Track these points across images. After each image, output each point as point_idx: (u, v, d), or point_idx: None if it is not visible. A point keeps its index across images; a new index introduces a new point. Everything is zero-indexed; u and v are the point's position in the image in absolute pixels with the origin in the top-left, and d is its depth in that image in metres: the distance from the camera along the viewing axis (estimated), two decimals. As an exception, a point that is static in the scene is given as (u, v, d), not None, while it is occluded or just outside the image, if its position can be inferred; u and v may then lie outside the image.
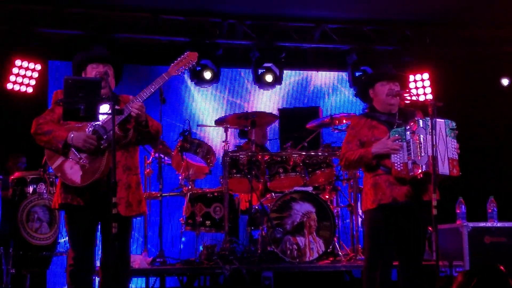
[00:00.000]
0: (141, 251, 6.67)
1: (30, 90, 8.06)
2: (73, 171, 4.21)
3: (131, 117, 4.24)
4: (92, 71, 4.37)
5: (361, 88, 5.01)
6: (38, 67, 8.07)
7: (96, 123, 4.21)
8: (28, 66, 8.00)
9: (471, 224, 5.88)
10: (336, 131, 7.10)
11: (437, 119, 4.54)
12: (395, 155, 4.55)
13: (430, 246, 6.02)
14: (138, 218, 4.82)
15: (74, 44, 8.15)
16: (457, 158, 4.56)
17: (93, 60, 4.40)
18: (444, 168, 4.49)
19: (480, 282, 2.62)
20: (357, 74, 8.95)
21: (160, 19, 8.45)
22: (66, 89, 3.94)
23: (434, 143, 4.38)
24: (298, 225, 6.40)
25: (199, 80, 8.63)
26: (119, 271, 4.21)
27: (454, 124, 4.61)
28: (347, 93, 9.27)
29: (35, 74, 8.06)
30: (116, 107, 4.00)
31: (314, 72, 9.58)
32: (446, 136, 4.56)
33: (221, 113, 8.71)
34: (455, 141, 4.59)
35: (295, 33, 8.97)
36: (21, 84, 8.00)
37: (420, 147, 4.47)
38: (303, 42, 9.06)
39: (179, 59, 4.52)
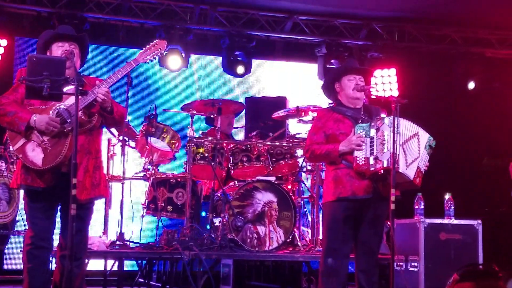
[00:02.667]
0: (101, 234, 6.64)
1: (-5, 66, 7.93)
2: (35, 153, 4.17)
3: (96, 102, 4.21)
4: (57, 50, 4.31)
5: (328, 81, 5.05)
6: (4, 42, 7.93)
7: (60, 106, 4.18)
8: (-7, 42, 7.88)
9: (428, 220, 5.98)
10: (301, 123, 7.14)
11: (424, 132, 4.65)
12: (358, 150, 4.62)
13: (387, 240, 6.12)
14: (99, 201, 4.77)
15: (42, 21, 8.03)
16: (423, 172, 4.67)
17: (59, 39, 4.35)
18: (410, 171, 4.58)
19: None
20: (326, 67, 9.01)
21: (131, 1, 8.37)
22: (29, 67, 3.89)
23: (396, 140, 4.45)
24: (259, 214, 6.43)
25: (168, 65, 8.58)
26: (76, 252, 4.19)
27: (434, 142, 4.71)
28: (315, 85, 9.32)
29: (1, 50, 7.92)
30: (81, 88, 3.96)
31: (283, 63, 9.62)
32: (424, 148, 4.66)
33: (188, 99, 8.69)
34: (428, 158, 4.70)
35: (267, 23, 8.99)
36: (-14, 59, 7.87)
37: (383, 144, 4.54)
38: (274, 32, 9.09)
39: (147, 46, 4.50)
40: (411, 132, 4.65)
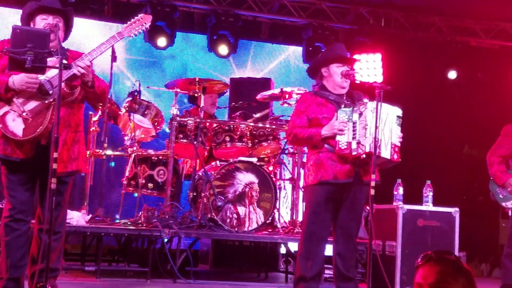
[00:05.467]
0: (80, 209, 6.61)
1: (-24, 35, 7.80)
2: (15, 124, 4.14)
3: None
4: (41, 22, 4.25)
5: (314, 64, 5.05)
6: (-13, 12, 7.83)
7: (42, 78, 4.13)
8: (-25, 11, 7.75)
9: (406, 206, 6.04)
10: (285, 105, 7.13)
11: (389, 105, 4.63)
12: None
13: (366, 224, 6.16)
14: (80, 175, 4.76)
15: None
16: (399, 145, 4.68)
17: (43, 11, 4.29)
18: (386, 152, 4.61)
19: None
20: (311, 49, 9.00)
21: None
22: (13, 39, 3.85)
23: (378, 125, 4.47)
24: (240, 194, 6.44)
25: (153, 42, 8.53)
26: (54, 226, 4.17)
27: (401, 112, 4.72)
28: (300, 67, 9.32)
29: (-17, 20, 7.82)
30: (64, 62, 3.92)
31: (268, 44, 9.59)
32: (394, 122, 4.66)
33: (172, 77, 8.65)
34: (399, 129, 4.70)
35: (254, 3, 8.95)
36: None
37: (366, 129, 4.56)
38: (261, 12, 9.04)
39: (132, 20, 4.46)
40: (385, 113, 4.65)
